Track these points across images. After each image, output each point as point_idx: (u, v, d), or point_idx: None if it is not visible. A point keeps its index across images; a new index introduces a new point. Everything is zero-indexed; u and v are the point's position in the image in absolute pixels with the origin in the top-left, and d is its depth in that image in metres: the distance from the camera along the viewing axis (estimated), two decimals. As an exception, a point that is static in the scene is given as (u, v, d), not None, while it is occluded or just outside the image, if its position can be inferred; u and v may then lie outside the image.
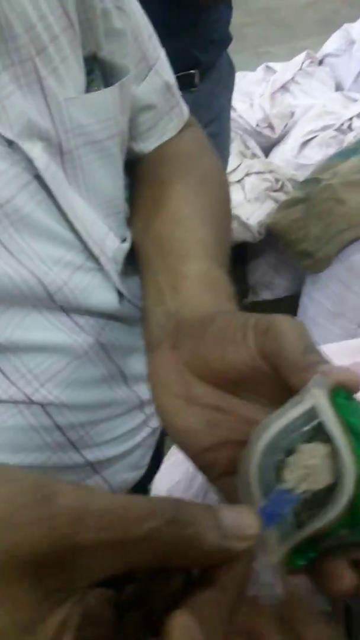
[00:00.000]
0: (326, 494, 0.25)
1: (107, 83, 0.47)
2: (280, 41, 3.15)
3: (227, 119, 1.24)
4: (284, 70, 1.95)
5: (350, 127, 1.69)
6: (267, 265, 1.71)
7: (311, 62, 1.97)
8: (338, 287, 1.35)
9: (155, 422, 0.56)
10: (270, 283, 1.72)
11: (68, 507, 0.22)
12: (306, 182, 1.51)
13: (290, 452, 0.27)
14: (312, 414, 0.26)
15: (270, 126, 1.79)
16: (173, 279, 0.41)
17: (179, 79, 0.59)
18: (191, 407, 0.33)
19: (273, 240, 1.60)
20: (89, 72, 0.46)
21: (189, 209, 0.48)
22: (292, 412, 0.26)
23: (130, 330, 0.51)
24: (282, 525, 0.26)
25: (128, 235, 0.52)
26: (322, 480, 0.26)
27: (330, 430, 0.25)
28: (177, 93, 0.57)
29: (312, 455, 0.26)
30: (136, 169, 0.56)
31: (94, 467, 0.51)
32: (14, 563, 0.21)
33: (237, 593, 0.24)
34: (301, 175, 1.60)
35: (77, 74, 0.45)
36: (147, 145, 0.55)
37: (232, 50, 1.17)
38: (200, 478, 0.50)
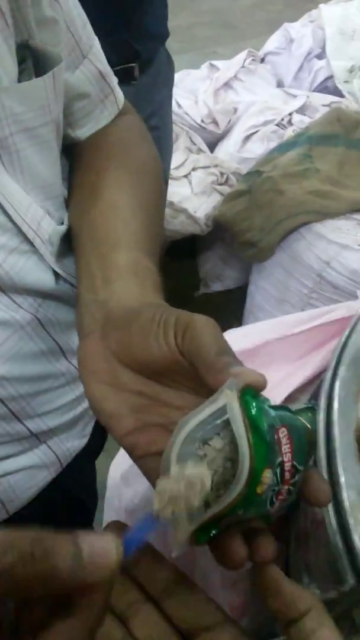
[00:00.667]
0: (230, 480, 0.29)
1: (40, 71, 0.47)
2: (228, 42, 3.19)
3: (168, 112, 1.27)
4: (226, 67, 1.98)
5: (290, 122, 1.74)
6: (217, 257, 1.75)
7: (253, 60, 2.02)
8: (282, 274, 1.40)
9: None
10: (221, 275, 1.76)
11: None
12: (249, 174, 1.55)
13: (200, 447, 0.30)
14: (223, 410, 0.30)
15: (215, 122, 1.83)
16: (104, 268, 0.43)
17: (119, 72, 0.61)
18: (118, 393, 0.36)
19: (221, 233, 1.64)
20: (21, 61, 0.46)
21: (123, 199, 0.50)
22: (208, 409, 0.31)
23: (68, 307, 0.53)
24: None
25: (66, 217, 0.53)
26: (187, 503, 0.29)
27: (233, 424, 0.29)
28: (113, 81, 0.57)
29: (177, 479, 0.29)
30: (73, 156, 0.57)
31: (38, 437, 0.52)
32: None
33: (96, 620, 0.25)
34: (244, 169, 1.64)
35: (9, 63, 0.45)
36: (83, 132, 0.57)
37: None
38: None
